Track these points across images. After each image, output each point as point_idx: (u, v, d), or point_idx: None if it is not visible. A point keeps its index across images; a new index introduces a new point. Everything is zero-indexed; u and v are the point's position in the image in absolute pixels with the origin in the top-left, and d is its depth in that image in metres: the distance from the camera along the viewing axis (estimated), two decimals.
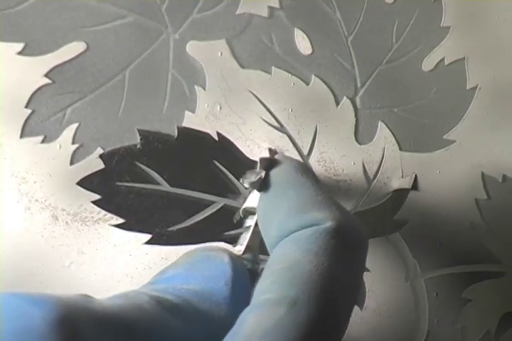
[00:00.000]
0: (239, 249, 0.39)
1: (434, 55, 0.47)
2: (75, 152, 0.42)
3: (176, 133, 0.43)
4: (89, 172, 0.42)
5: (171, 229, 0.43)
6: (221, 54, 0.44)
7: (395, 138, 0.47)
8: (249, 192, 0.40)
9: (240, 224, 0.41)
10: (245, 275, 0.35)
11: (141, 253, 0.43)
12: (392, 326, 0.47)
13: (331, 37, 0.46)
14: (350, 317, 0.29)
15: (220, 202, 0.44)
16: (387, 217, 0.47)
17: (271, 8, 0.44)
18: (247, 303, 0.28)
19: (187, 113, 0.44)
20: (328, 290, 0.27)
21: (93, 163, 0.42)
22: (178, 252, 0.43)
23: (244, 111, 0.44)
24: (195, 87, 0.44)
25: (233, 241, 0.42)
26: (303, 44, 0.45)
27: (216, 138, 0.44)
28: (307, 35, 0.45)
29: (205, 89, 0.44)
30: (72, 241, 0.42)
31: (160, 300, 0.28)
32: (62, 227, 0.42)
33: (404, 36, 0.47)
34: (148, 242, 0.43)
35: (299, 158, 0.45)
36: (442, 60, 0.47)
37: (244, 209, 0.40)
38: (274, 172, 0.36)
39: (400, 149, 0.47)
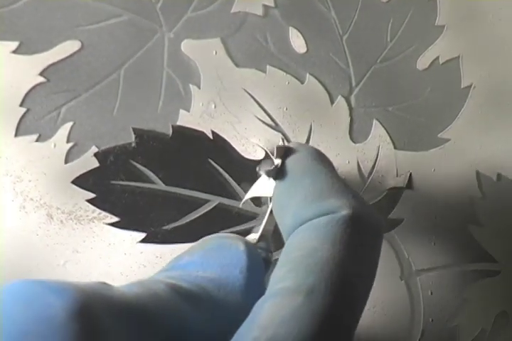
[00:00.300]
0: (253, 237, 0.39)
1: (428, 54, 0.47)
2: (69, 151, 0.42)
3: (170, 132, 0.43)
4: (84, 170, 0.42)
5: (166, 227, 0.43)
6: (216, 53, 0.44)
7: (390, 137, 0.47)
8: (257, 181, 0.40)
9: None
10: (260, 263, 0.34)
11: (136, 252, 0.43)
12: (387, 325, 0.47)
13: (326, 36, 0.46)
14: (365, 305, 0.29)
15: (214, 201, 0.44)
16: (382, 216, 0.47)
17: (266, 7, 0.44)
18: (261, 291, 0.28)
19: (182, 111, 0.44)
20: (345, 278, 0.27)
21: (88, 162, 0.42)
22: (173, 251, 0.43)
23: (239, 110, 0.45)
24: (190, 85, 0.44)
25: None
26: (298, 43, 0.45)
27: (211, 136, 0.44)
28: (302, 33, 0.45)
29: (199, 88, 0.44)
30: (67, 240, 0.42)
31: (175, 287, 0.28)
32: (57, 226, 0.42)
33: (399, 35, 0.47)
34: (143, 241, 0.43)
35: None
36: (437, 58, 0.47)
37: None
38: (290, 161, 0.35)
39: (395, 148, 0.47)
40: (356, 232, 0.29)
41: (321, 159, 0.36)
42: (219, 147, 0.44)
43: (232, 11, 0.44)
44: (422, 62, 0.47)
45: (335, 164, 0.45)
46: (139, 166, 0.43)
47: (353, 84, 0.46)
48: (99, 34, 0.42)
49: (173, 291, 0.28)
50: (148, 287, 0.27)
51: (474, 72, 0.48)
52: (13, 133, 0.41)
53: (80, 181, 0.42)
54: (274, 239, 0.39)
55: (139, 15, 0.43)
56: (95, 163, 0.42)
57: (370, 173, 0.47)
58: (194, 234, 0.43)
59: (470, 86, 0.48)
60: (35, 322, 0.20)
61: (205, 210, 0.44)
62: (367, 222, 0.30)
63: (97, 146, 0.42)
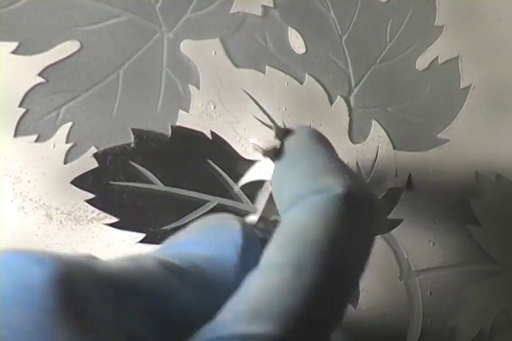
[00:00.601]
0: (253, 218, 0.38)
1: (427, 54, 0.47)
2: (68, 151, 0.42)
3: (169, 133, 0.43)
4: (83, 171, 0.42)
5: (165, 228, 0.43)
6: (215, 53, 0.44)
7: (389, 137, 0.47)
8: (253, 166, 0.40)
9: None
10: (256, 243, 0.34)
11: (135, 253, 0.43)
12: (385, 325, 0.47)
13: (325, 36, 0.46)
14: (357, 287, 0.28)
15: (213, 201, 0.44)
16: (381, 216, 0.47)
17: (265, 7, 0.44)
18: None
19: (181, 112, 0.44)
20: (335, 256, 0.26)
21: (87, 162, 0.42)
22: None
23: (238, 110, 0.45)
24: (189, 86, 0.44)
25: None
26: (297, 43, 0.45)
27: (210, 137, 0.44)
28: (301, 34, 0.45)
29: (199, 89, 0.44)
30: (66, 241, 0.42)
31: (167, 264, 0.28)
32: (56, 226, 0.42)
33: (398, 35, 0.47)
34: (142, 241, 0.43)
35: None
36: (436, 59, 0.47)
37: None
38: (289, 142, 0.35)
39: (394, 148, 0.47)
40: (350, 210, 0.29)
41: (321, 140, 0.35)
42: (218, 147, 0.44)
43: (231, 11, 0.44)
44: (422, 63, 0.47)
45: None
46: (138, 167, 0.43)
47: (353, 84, 0.46)
48: (98, 34, 0.42)
49: (163, 267, 0.27)
50: (139, 262, 0.27)
51: (474, 72, 0.48)
52: (12, 133, 0.41)
53: (79, 181, 0.42)
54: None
55: (138, 15, 0.43)
56: (94, 164, 0.42)
57: (370, 174, 0.47)
58: None
59: (469, 86, 0.48)
60: (14, 290, 0.19)
61: (204, 211, 0.44)
62: (361, 200, 0.30)
63: (96, 147, 0.42)
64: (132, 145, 0.43)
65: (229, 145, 0.44)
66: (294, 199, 0.31)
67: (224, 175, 0.44)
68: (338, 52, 0.46)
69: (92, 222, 0.42)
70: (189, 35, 0.43)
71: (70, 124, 0.42)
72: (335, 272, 0.26)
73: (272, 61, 0.45)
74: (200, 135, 0.44)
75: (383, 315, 0.47)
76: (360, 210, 0.30)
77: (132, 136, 0.43)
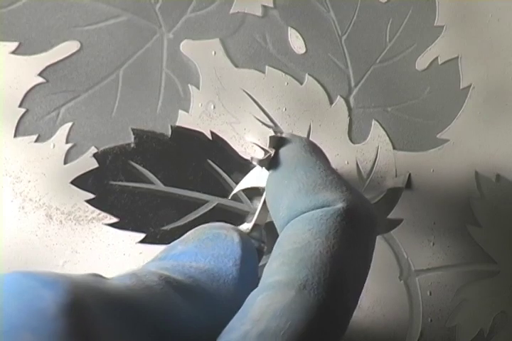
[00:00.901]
0: (246, 227, 0.38)
1: (427, 54, 0.47)
2: (68, 151, 0.42)
3: (169, 133, 0.43)
4: (83, 171, 0.42)
5: (165, 228, 0.43)
6: (215, 53, 0.44)
7: (389, 138, 0.47)
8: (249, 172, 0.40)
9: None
10: (254, 255, 0.34)
11: (135, 253, 0.43)
12: (385, 325, 0.47)
13: (325, 36, 0.46)
14: (358, 300, 0.29)
15: (213, 202, 0.44)
16: (381, 216, 0.47)
17: (265, 8, 0.44)
18: (254, 284, 0.28)
19: (181, 112, 0.44)
20: (338, 273, 0.27)
21: (87, 162, 0.42)
22: None
23: (238, 111, 0.45)
24: (189, 86, 0.44)
25: None
26: (297, 43, 0.45)
27: (210, 137, 0.44)
28: (301, 34, 0.45)
29: (198, 89, 0.44)
30: (66, 241, 0.42)
31: (169, 280, 0.28)
32: (56, 226, 0.42)
33: (398, 35, 0.47)
34: (142, 241, 0.43)
35: None
36: (436, 59, 0.47)
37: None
38: (284, 151, 0.35)
39: (394, 148, 0.47)
40: (350, 226, 0.29)
41: (315, 150, 0.36)
42: (218, 148, 0.44)
43: (231, 11, 0.44)
44: (421, 63, 0.47)
45: (334, 164, 0.46)
46: (138, 167, 0.43)
47: (352, 84, 0.46)
48: (98, 35, 0.42)
49: (167, 284, 0.27)
50: (141, 279, 0.27)
51: (473, 72, 0.48)
52: (12, 133, 0.41)
53: (79, 182, 0.42)
54: (267, 229, 0.39)
55: (138, 15, 0.43)
56: (94, 164, 0.42)
57: (369, 174, 0.47)
58: None
59: (469, 86, 0.48)
60: (26, 314, 0.19)
61: (204, 211, 0.44)
62: (361, 215, 0.30)
63: (96, 147, 0.42)
64: (132, 145, 0.43)
65: (229, 145, 0.44)
66: (293, 212, 0.31)
67: (224, 175, 0.44)
68: (338, 52, 0.46)
69: (92, 222, 0.42)
70: (189, 36, 0.43)
71: (69, 124, 0.42)
72: (337, 290, 0.26)
73: (272, 61, 0.45)
74: (200, 135, 0.44)
75: (383, 315, 0.47)
76: (360, 224, 0.30)
77: (132, 136, 0.43)
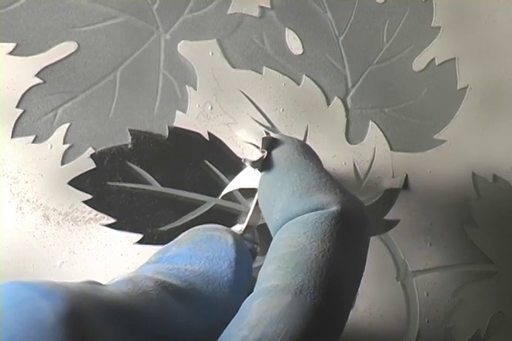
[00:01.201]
0: (239, 228, 0.38)
1: (424, 55, 0.47)
2: (66, 152, 0.42)
3: (167, 133, 0.43)
4: (81, 172, 0.42)
5: (162, 228, 0.43)
6: (212, 54, 0.44)
7: (386, 138, 0.47)
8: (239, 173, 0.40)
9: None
10: (248, 257, 0.34)
11: (133, 253, 0.43)
12: (382, 326, 0.47)
13: (322, 37, 0.46)
14: (354, 302, 0.29)
15: (210, 202, 0.44)
16: (378, 217, 0.47)
17: (262, 8, 0.45)
18: (249, 285, 0.28)
19: (178, 113, 0.44)
20: (333, 276, 0.27)
21: (84, 163, 0.42)
22: None
23: (236, 111, 0.45)
24: (187, 87, 0.44)
25: None
26: (294, 44, 0.45)
27: (207, 138, 0.44)
28: (298, 35, 0.45)
29: (196, 89, 0.44)
30: (63, 241, 0.42)
31: (165, 285, 0.28)
32: (53, 227, 0.42)
33: (395, 36, 0.47)
34: (140, 242, 0.43)
35: None
36: (433, 60, 0.47)
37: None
38: (277, 153, 0.35)
39: (391, 149, 0.47)
40: (345, 228, 0.29)
41: (308, 152, 0.36)
42: (215, 148, 0.44)
43: (229, 12, 0.44)
44: (418, 64, 0.47)
45: (331, 165, 0.46)
46: (135, 167, 0.43)
47: (349, 85, 0.47)
48: (95, 35, 0.42)
49: (162, 289, 0.28)
50: (138, 285, 0.27)
51: (470, 73, 0.48)
52: (10, 134, 0.41)
53: (77, 182, 0.42)
54: (260, 230, 0.39)
55: (135, 16, 0.43)
56: (92, 165, 0.42)
57: (366, 174, 0.47)
58: None
59: (466, 87, 0.48)
60: (24, 326, 0.20)
61: (202, 211, 0.44)
62: (355, 217, 0.30)
63: (93, 148, 0.42)
64: (129, 146, 0.43)
65: (226, 146, 0.44)
66: (288, 215, 0.31)
67: (221, 175, 0.44)
68: (335, 53, 0.46)
69: (90, 223, 0.42)
70: (186, 36, 0.44)
71: (67, 125, 0.42)
72: (334, 293, 0.27)
73: (269, 62, 0.45)
74: (197, 136, 0.44)
75: (380, 316, 0.47)
76: (354, 226, 0.30)
77: (129, 137, 0.43)
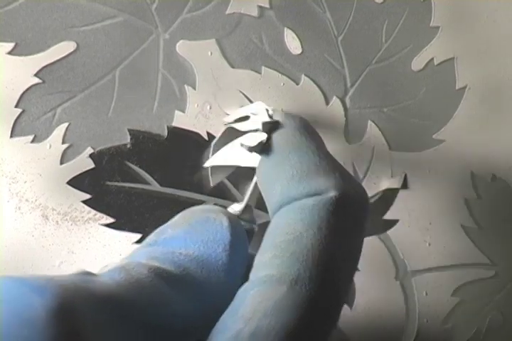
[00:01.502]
0: (237, 208, 0.38)
1: (423, 55, 0.47)
2: (65, 151, 0.42)
3: (165, 133, 0.43)
4: (80, 171, 0.42)
5: None
6: (211, 53, 0.44)
7: (385, 138, 0.47)
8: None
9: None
10: (244, 239, 0.34)
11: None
12: (381, 325, 0.47)
13: (321, 37, 0.46)
14: (348, 291, 0.29)
15: (209, 202, 0.44)
16: (377, 217, 0.47)
17: (261, 8, 0.45)
18: (244, 269, 0.28)
19: (177, 112, 0.44)
20: (329, 265, 0.27)
21: (83, 163, 0.42)
22: None
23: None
24: (185, 86, 0.44)
25: None
26: (293, 44, 0.45)
27: (206, 137, 0.44)
28: (297, 35, 0.45)
29: (195, 89, 0.44)
30: (62, 241, 0.42)
31: (159, 271, 0.28)
32: (52, 227, 0.42)
33: (394, 36, 0.47)
34: (139, 242, 0.43)
35: None
36: (432, 60, 0.47)
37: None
38: (277, 136, 0.35)
39: (390, 149, 0.47)
40: (342, 215, 0.29)
41: (308, 131, 0.35)
42: None
43: (228, 12, 0.44)
44: (417, 64, 0.47)
45: None
46: (134, 167, 0.43)
47: (348, 85, 0.47)
48: (94, 35, 0.42)
49: (155, 276, 0.27)
50: (130, 273, 0.27)
51: (469, 73, 0.48)
52: (9, 134, 0.41)
53: (76, 182, 0.42)
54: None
55: (135, 16, 0.43)
56: (91, 164, 0.42)
57: (365, 174, 0.47)
58: None
59: (465, 87, 0.48)
60: (17, 324, 0.20)
61: None
62: (353, 202, 0.30)
63: (92, 147, 0.42)
64: (128, 145, 0.43)
65: None
66: (286, 199, 0.31)
67: None
68: (334, 53, 0.46)
69: (89, 223, 0.42)
70: (185, 36, 0.44)
71: (66, 125, 0.42)
72: (329, 283, 0.26)
73: (268, 62, 0.45)
74: (196, 135, 0.44)
75: (379, 316, 0.47)
76: (353, 211, 0.30)
77: (128, 137, 0.43)
